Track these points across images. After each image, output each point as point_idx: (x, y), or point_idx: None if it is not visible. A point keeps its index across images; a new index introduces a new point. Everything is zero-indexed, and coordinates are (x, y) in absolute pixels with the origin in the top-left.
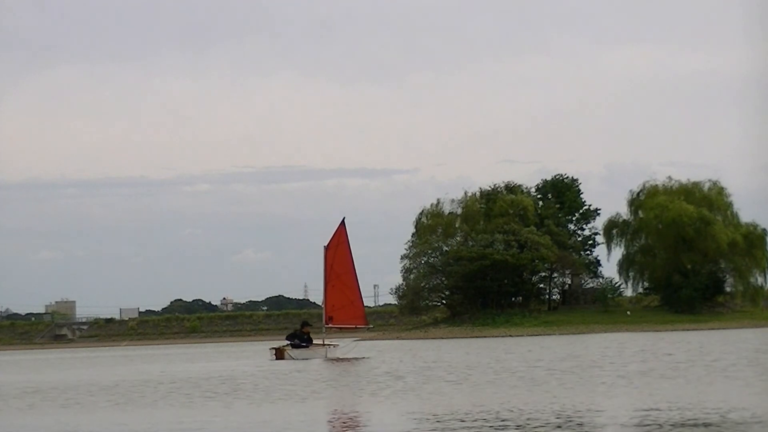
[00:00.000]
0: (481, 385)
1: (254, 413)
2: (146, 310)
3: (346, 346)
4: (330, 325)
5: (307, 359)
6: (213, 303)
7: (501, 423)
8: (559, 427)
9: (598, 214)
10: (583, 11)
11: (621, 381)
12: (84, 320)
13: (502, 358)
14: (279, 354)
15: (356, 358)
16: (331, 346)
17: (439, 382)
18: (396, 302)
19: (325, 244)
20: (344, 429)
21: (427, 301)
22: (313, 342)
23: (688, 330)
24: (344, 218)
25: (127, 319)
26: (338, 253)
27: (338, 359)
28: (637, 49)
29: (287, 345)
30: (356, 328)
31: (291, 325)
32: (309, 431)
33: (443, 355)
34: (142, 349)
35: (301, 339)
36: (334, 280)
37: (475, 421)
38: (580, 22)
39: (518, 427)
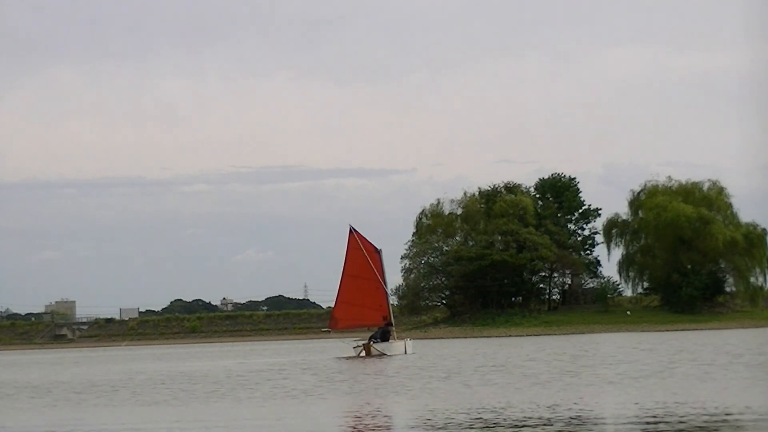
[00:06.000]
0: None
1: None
2: (146, 310)
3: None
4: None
5: (392, 354)
6: (213, 303)
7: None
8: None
9: (599, 214)
10: (582, 11)
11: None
12: (84, 320)
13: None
14: (367, 350)
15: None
16: (408, 341)
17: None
18: (396, 302)
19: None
20: None
21: (427, 301)
22: (392, 332)
23: (687, 330)
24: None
25: (127, 319)
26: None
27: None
28: (636, 49)
29: (370, 342)
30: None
31: (291, 325)
32: None
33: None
34: (147, 349)
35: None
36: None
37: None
38: (579, 22)
39: None
